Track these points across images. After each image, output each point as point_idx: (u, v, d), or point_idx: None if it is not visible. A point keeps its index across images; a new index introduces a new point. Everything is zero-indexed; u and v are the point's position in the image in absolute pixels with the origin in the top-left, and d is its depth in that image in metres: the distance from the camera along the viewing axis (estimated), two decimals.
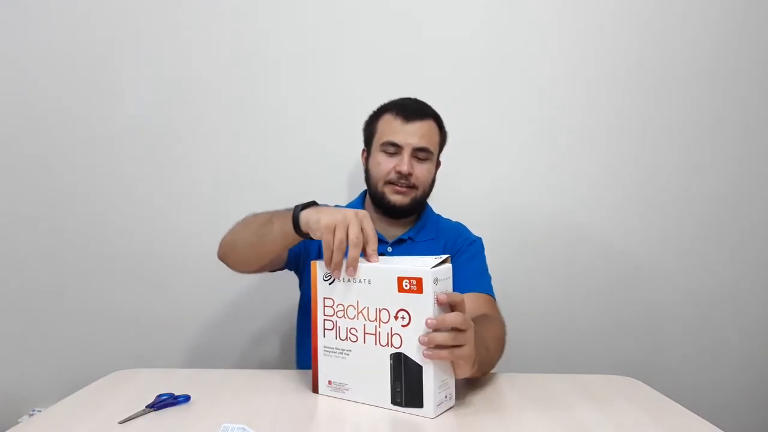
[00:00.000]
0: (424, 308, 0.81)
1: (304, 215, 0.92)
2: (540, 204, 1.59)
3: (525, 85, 1.57)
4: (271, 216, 1.00)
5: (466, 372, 0.86)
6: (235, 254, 1.11)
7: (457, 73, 1.56)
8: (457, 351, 0.82)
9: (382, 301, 0.85)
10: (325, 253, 0.87)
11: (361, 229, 0.86)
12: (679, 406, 0.92)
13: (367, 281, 0.86)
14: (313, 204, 0.95)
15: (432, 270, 0.81)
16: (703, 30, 1.57)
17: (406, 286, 0.82)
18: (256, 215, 1.06)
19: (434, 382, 0.82)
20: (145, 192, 1.57)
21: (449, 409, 0.86)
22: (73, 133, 1.55)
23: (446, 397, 0.85)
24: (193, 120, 1.56)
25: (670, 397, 0.95)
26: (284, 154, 1.57)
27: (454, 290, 0.88)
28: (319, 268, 0.91)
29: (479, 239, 1.30)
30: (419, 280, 0.81)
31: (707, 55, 1.57)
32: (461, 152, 1.57)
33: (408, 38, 1.55)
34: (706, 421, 0.85)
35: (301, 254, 1.23)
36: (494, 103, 1.57)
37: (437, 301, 0.81)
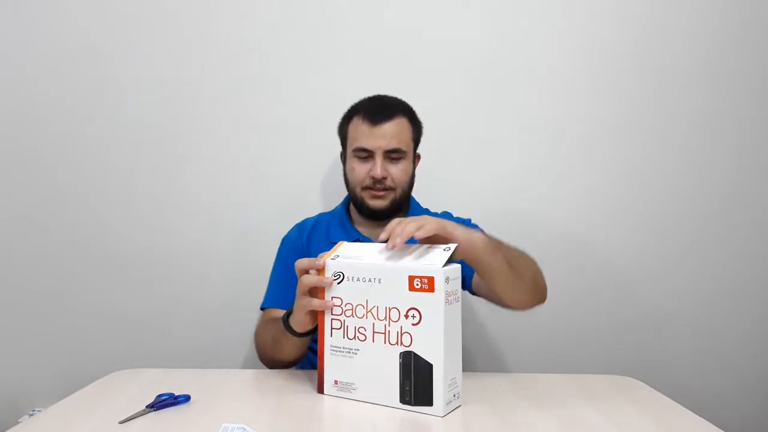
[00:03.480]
0: (435, 306, 0.82)
1: (293, 321, 0.97)
2: (540, 204, 1.59)
3: (524, 86, 1.57)
4: (273, 335, 1.05)
5: (479, 251, 0.91)
6: (284, 366, 1.12)
7: (457, 73, 1.56)
8: (418, 221, 0.88)
9: (392, 300, 0.85)
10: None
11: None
12: (679, 406, 0.92)
13: (377, 280, 0.87)
14: (290, 312, 0.99)
15: (444, 269, 0.82)
16: (703, 30, 1.57)
17: (417, 285, 0.83)
18: (262, 336, 1.12)
19: (444, 380, 0.82)
20: (145, 192, 1.57)
21: (457, 408, 0.86)
22: (72, 133, 1.55)
23: (455, 396, 0.86)
24: (192, 120, 1.56)
25: (670, 397, 0.95)
26: (283, 154, 1.57)
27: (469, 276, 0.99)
28: (327, 267, 0.91)
29: (468, 219, 1.30)
30: (431, 279, 0.82)
31: (707, 56, 1.57)
32: (460, 153, 1.58)
33: (407, 38, 1.55)
34: (706, 421, 0.85)
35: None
36: (493, 103, 1.57)
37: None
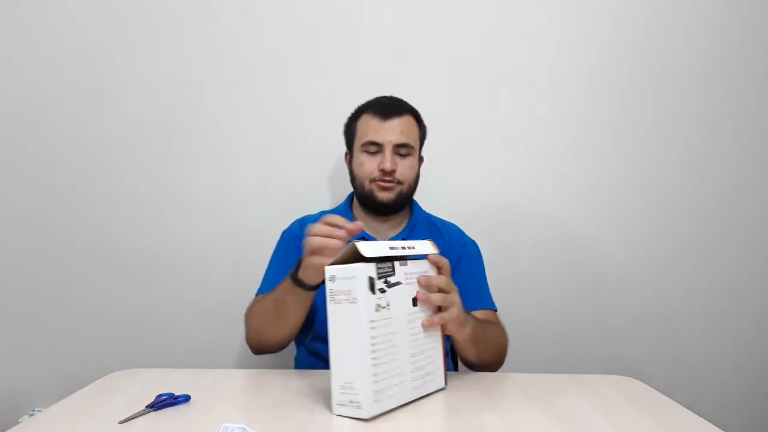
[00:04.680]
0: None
1: (304, 276, 0.96)
2: (540, 204, 1.59)
3: (524, 87, 1.57)
4: (275, 298, 1.04)
5: (457, 333, 0.96)
6: (275, 344, 1.12)
7: (456, 73, 1.56)
8: (445, 314, 0.91)
9: None
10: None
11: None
12: (679, 406, 0.92)
13: None
14: (297, 266, 0.98)
15: (330, 267, 0.83)
16: (703, 30, 1.57)
17: None
18: (262, 303, 1.11)
19: (333, 379, 0.84)
20: (144, 192, 1.57)
21: (360, 419, 0.82)
22: (73, 133, 1.55)
23: (351, 402, 0.82)
24: (192, 121, 1.56)
25: (670, 397, 0.95)
26: (283, 154, 1.57)
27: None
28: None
29: (475, 242, 1.32)
30: None
31: (707, 56, 1.57)
32: (460, 153, 1.58)
33: (407, 40, 1.55)
34: (706, 421, 0.85)
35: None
36: (493, 104, 1.57)
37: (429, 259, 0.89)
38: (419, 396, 0.89)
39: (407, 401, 0.86)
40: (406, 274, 0.88)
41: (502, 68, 1.56)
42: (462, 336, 0.98)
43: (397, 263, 0.87)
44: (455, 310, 0.92)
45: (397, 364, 0.84)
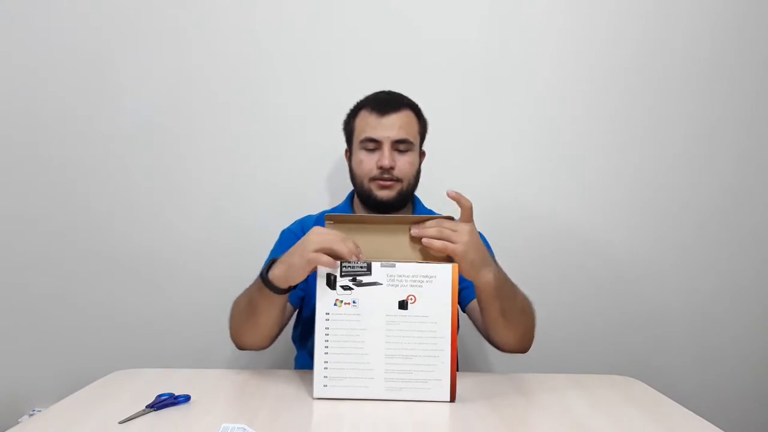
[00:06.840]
0: None
1: (274, 275, 0.95)
2: (538, 203, 1.59)
3: (524, 83, 1.57)
4: (249, 295, 1.02)
5: (476, 278, 0.93)
6: (252, 342, 1.08)
7: (456, 71, 1.56)
8: (450, 245, 0.90)
9: None
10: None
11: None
12: (679, 406, 0.92)
13: None
14: (271, 263, 0.97)
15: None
16: (703, 30, 1.57)
17: None
18: (237, 302, 1.07)
19: (316, 360, 0.90)
20: (144, 192, 1.57)
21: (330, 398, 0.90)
22: (73, 132, 1.55)
23: (324, 386, 0.90)
24: (193, 120, 1.56)
25: (670, 397, 0.96)
26: (284, 153, 1.57)
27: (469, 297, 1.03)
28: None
29: (480, 232, 1.28)
30: None
31: (707, 55, 1.57)
32: (458, 152, 1.58)
33: (407, 37, 1.55)
34: (706, 421, 0.85)
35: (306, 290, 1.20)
36: (492, 101, 1.57)
37: (448, 194, 0.92)
38: (401, 399, 0.89)
39: (377, 398, 0.89)
40: (390, 276, 0.89)
41: (501, 67, 1.56)
42: (483, 281, 0.94)
43: (377, 264, 0.89)
44: (460, 238, 0.91)
45: (365, 359, 0.89)
